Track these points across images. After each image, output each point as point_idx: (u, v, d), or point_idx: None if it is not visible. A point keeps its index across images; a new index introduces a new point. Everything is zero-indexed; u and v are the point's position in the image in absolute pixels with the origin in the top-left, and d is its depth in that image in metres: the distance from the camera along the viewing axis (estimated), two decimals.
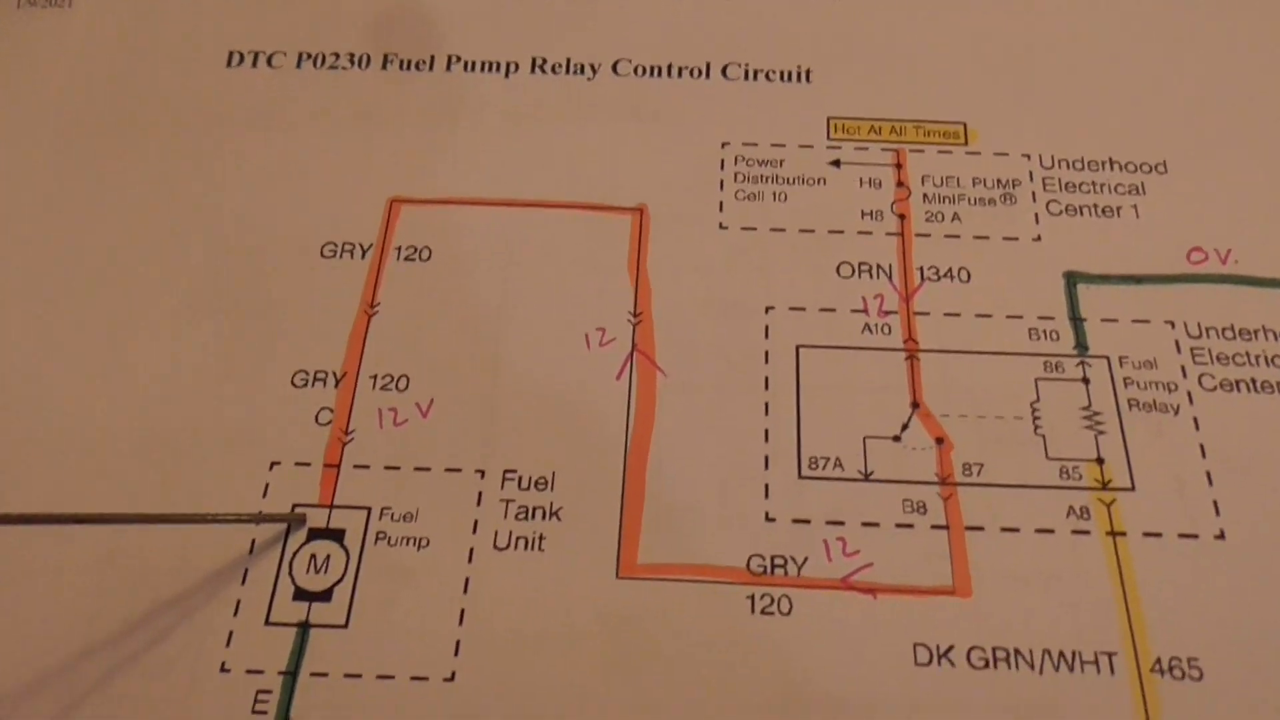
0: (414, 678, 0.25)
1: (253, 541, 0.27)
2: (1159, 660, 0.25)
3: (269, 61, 0.34)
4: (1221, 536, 0.26)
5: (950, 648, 0.25)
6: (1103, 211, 0.31)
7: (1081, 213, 0.31)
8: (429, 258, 0.31)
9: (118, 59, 0.34)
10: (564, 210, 0.31)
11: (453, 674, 0.25)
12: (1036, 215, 0.31)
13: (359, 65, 0.34)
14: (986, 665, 0.25)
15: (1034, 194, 0.31)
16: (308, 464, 0.28)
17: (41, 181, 0.32)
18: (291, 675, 0.25)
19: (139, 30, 0.34)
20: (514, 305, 0.30)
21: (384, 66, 0.34)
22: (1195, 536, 0.26)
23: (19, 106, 0.33)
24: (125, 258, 0.31)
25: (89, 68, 0.34)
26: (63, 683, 0.25)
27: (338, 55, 0.34)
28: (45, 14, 0.35)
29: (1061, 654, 0.25)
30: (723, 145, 0.32)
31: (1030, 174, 0.32)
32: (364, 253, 0.31)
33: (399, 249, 0.31)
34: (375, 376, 0.29)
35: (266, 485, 0.27)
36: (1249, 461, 0.27)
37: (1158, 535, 0.26)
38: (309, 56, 0.34)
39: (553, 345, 0.29)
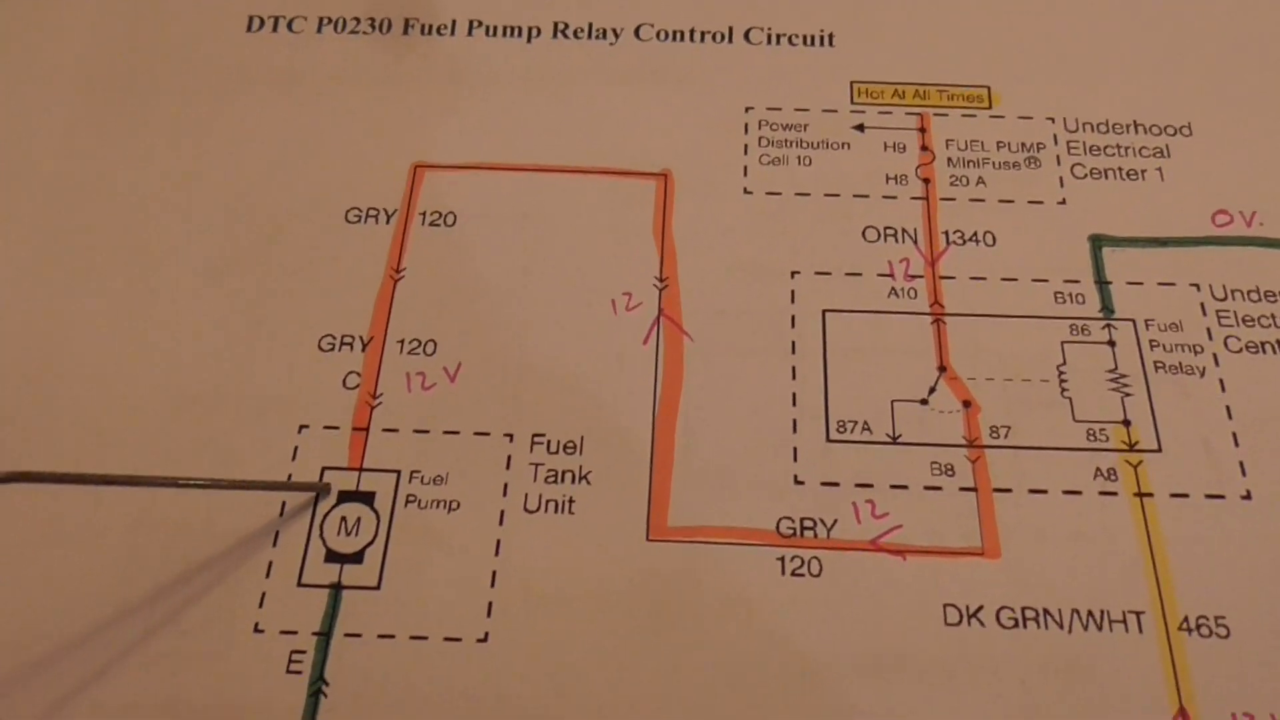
0: (447, 639, 0.25)
1: (283, 504, 0.27)
2: (1186, 619, 0.25)
3: (289, 26, 0.34)
4: (1248, 497, 0.26)
5: (980, 608, 0.25)
6: (1127, 174, 0.31)
7: (1106, 176, 0.31)
8: (454, 223, 0.31)
9: (139, 24, 0.34)
10: (588, 176, 0.31)
11: (485, 635, 0.25)
12: (1061, 179, 0.31)
13: (380, 30, 0.34)
14: (1016, 625, 0.25)
15: (1058, 157, 0.31)
16: (336, 427, 0.28)
17: (66, 146, 0.32)
18: (325, 636, 0.25)
19: None
20: (540, 270, 0.30)
21: (405, 31, 0.34)
22: (1222, 497, 0.27)
23: (42, 71, 0.33)
24: (149, 222, 0.31)
25: (110, 32, 0.34)
26: (98, 643, 0.25)
27: (359, 20, 0.34)
28: None
29: (1090, 613, 0.25)
30: (746, 110, 0.32)
31: (1054, 137, 0.32)
32: (388, 218, 0.31)
33: (423, 214, 0.31)
34: (402, 341, 0.29)
35: (295, 448, 0.27)
36: (1275, 422, 0.27)
37: (1184, 496, 0.27)
38: (330, 21, 0.34)
39: (579, 310, 0.29)
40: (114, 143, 0.32)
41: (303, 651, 0.25)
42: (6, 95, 0.33)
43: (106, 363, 0.29)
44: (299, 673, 0.25)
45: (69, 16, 0.34)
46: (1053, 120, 0.32)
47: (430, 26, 0.34)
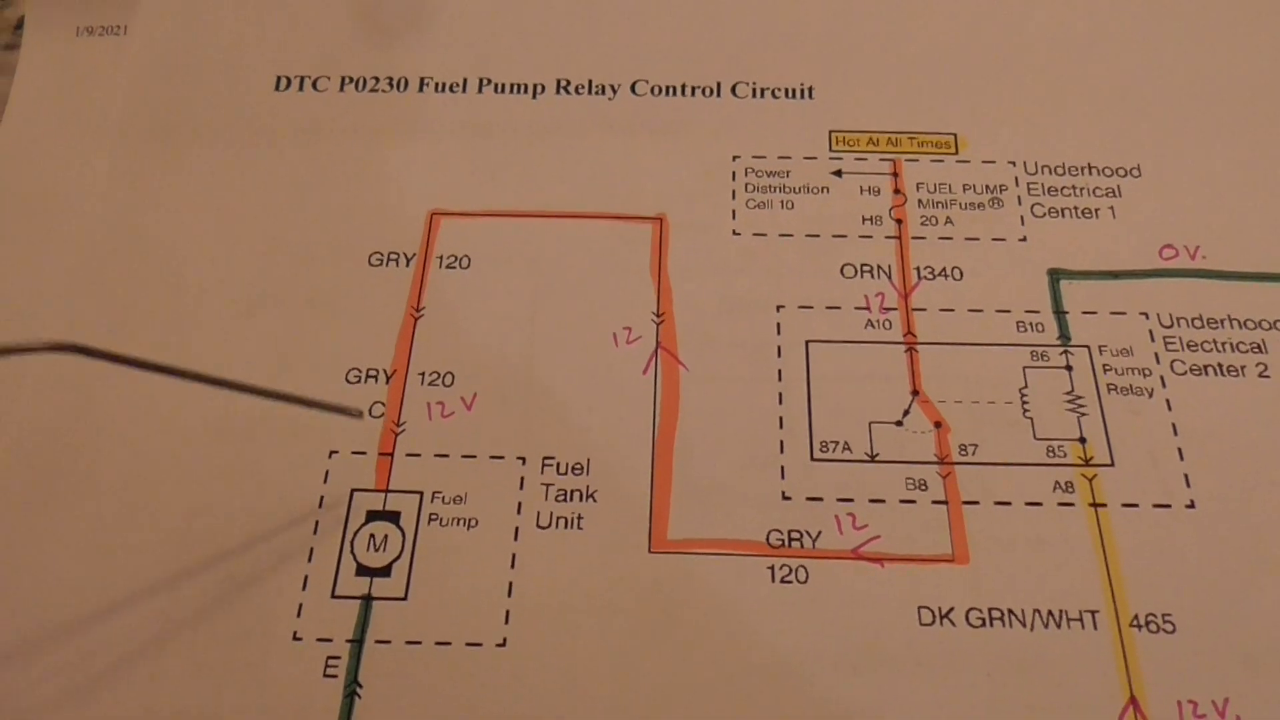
0: (469, 644, 0.27)
1: (316, 523, 0.29)
2: (1136, 616, 0.28)
3: (314, 85, 0.36)
4: (1192, 506, 0.29)
5: (950, 609, 0.28)
6: (1082, 213, 0.34)
7: (1063, 214, 0.34)
8: (468, 265, 0.33)
9: (177, 82, 0.36)
10: (590, 220, 0.34)
11: (504, 640, 0.28)
12: (1022, 217, 0.34)
13: (398, 88, 0.36)
14: (983, 624, 0.28)
15: (1019, 198, 0.34)
16: (363, 453, 0.30)
17: (104, 197, 0.34)
18: (358, 643, 0.28)
19: (193, 56, 0.37)
20: (547, 308, 0.32)
21: (420, 89, 0.36)
22: (1168, 506, 0.29)
23: (82, 127, 0.36)
24: (187, 264, 0.33)
25: (150, 90, 0.36)
26: (149, 652, 0.27)
27: (377, 79, 0.37)
28: (102, 42, 0.37)
29: (1050, 612, 0.28)
30: (734, 158, 0.35)
31: (1016, 179, 0.34)
32: (408, 261, 0.33)
33: (440, 258, 0.33)
34: (423, 373, 0.31)
35: (326, 472, 0.30)
36: (1216, 438, 0.30)
37: (1135, 506, 0.29)
38: (351, 80, 0.37)
39: (584, 344, 0.32)
40: (154, 191, 0.34)
41: (338, 657, 0.27)
42: (55, 146, 0.35)
43: (147, 394, 0.31)
44: (335, 676, 0.27)
45: (113, 76, 0.36)
46: (1014, 164, 0.35)
47: (444, 84, 0.36)
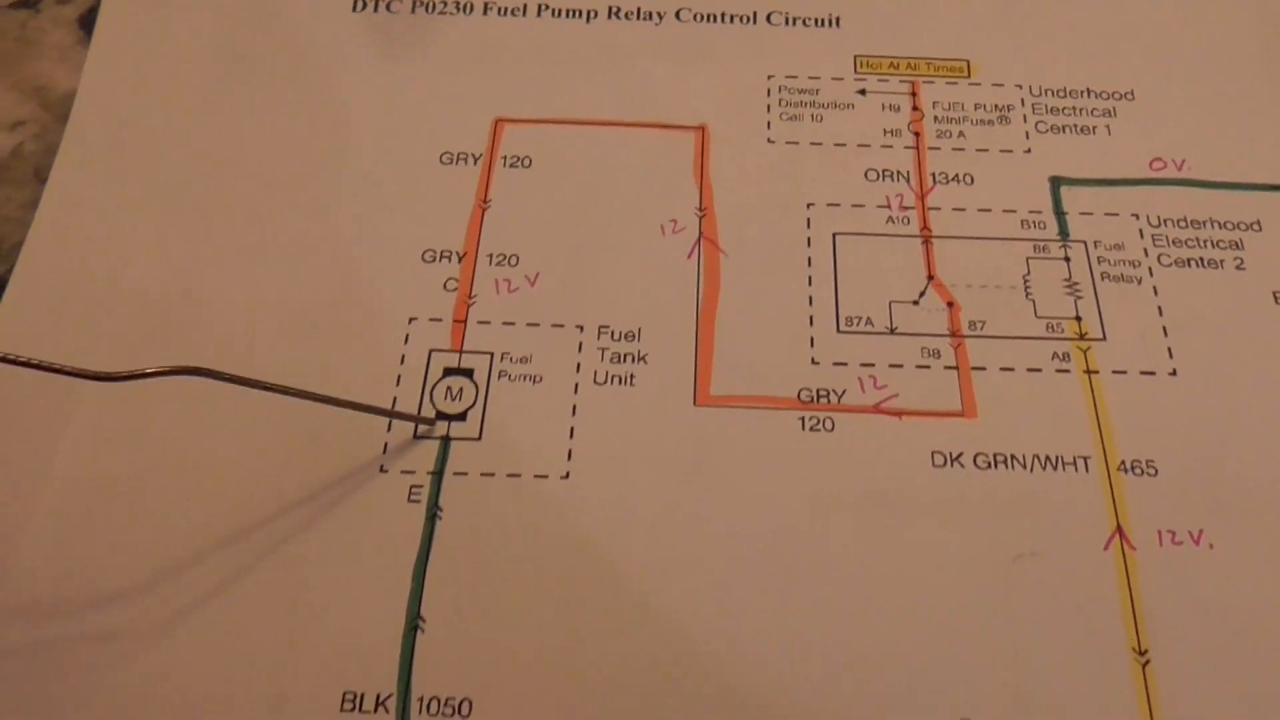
0: (536, 476, 0.31)
1: (399, 376, 0.33)
2: (1124, 461, 0.31)
3: (389, 8, 0.40)
4: (1174, 374, 0.33)
5: (960, 454, 0.31)
6: (1081, 130, 0.38)
7: (1064, 131, 0.37)
8: (530, 165, 0.37)
9: (254, 9, 0.40)
10: (641, 129, 0.38)
11: (567, 474, 0.31)
12: (1027, 133, 0.38)
13: (464, 12, 0.40)
14: (989, 467, 0.31)
15: (1024, 116, 0.38)
16: (439, 319, 0.34)
17: (202, 105, 0.38)
18: (438, 475, 0.31)
19: None
20: (601, 204, 0.36)
21: (485, 13, 0.40)
22: (1153, 374, 0.33)
23: (180, 42, 0.39)
24: (274, 167, 0.36)
25: (237, 12, 0.40)
26: (244, 484, 0.31)
27: (445, 3, 0.40)
28: None
29: (1048, 457, 0.31)
30: (768, 78, 0.39)
31: (1022, 100, 0.38)
32: (475, 161, 0.37)
33: (504, 158, 0.37)
34: (491, 255, 0.35)
35: (407, 335, 0.33)
36: (1195, 319, 0.34)
37: (1123, 373, 0.33)
38: (422, 4, 0.40)
39: (635, 233, 0.35)
40: (241, 104, 0.38)
41: (421, 486, 0.31)
42: (152, 62, 0.39)
43: (244, 277, 0.34)
44: (419, 501, 0.31)
45: (191, 14, 0.40)
46: (1020, 87, 0.38)
47: (506, 9, 0.40)
